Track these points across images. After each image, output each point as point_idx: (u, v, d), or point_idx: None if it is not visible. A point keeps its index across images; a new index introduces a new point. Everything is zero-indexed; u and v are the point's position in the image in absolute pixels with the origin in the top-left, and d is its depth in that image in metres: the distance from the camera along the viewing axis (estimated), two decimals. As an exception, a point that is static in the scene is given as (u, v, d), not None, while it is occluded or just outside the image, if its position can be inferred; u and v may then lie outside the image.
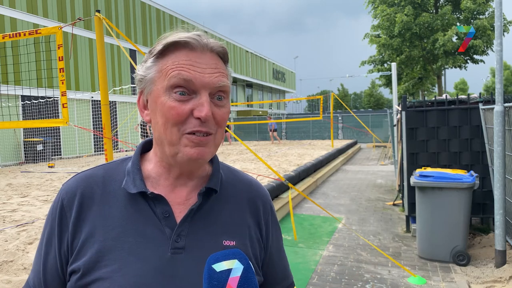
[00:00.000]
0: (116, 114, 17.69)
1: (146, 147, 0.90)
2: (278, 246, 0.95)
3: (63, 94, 3.95)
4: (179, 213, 0.81)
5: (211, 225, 0.82)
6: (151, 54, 0.80)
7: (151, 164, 0.85)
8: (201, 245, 0.79)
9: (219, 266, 0.68)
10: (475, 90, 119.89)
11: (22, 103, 13.78)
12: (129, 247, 0.76)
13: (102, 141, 5.88)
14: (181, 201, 0.83)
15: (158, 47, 0.79)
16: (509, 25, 19.57)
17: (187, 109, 0.75)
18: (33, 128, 13.96)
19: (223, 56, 0.82)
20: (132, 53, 18.58)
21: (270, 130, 21.20)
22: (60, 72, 3.94)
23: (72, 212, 0.80)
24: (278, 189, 6.57)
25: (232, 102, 32.93)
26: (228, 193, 0.88)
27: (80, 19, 3.93)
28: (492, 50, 19.35)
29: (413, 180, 4.19)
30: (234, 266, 0.68)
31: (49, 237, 0.81)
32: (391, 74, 14.05)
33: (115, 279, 0.74)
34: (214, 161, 0.90)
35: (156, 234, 0.78)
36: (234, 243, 0.82)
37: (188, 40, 0.77)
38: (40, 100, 14.18)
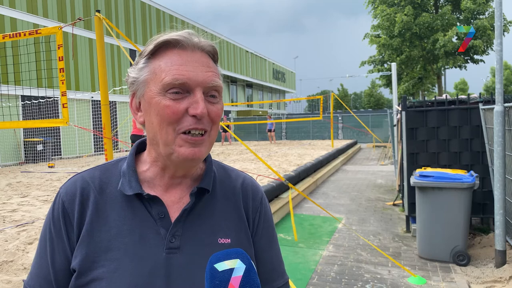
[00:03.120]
0: (116, 114, 17.68)
1: (140, 148, 0.91)
2: (269, 241, 0.93)
3: (63, 94, 3.95)
4: (174, 213, 0.82)
5: (205, 224, 0.83)
6: (142, 56, 0.81)
7: (146, 165, 0.86)
8: (196, 244, 0.80)
9: (221, 266, 0.68)
10: (475, 90, 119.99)
11: (22, 103, 13.77)
12: (126, 248, 0.77)
13: (102, 141, 5.88)
14: (176, 201, 0.84)
15: (149, 47, 0.80)
16: (509, 25, 19.58)
17: (182, 108, 0.76)
18: (33, 128, 13.96)
19: (213, 56, 0.83)
20: (132, 53, 18.57)
21: (269, 130, 21.23)
22: (60, 72, 3.94)
23: (74, 212, 0.81)
24: (278, 189, 6.56)
25: (232, 102, 32.94)
26: (221, 191, 0.89)
27: (80, 19, 3.93)
28: (493, 50, 19.35)
29: (413, 180, 4.19)
30: (236, 266, 0.69)
31: (56, 237, 0.81)
32: (391, 74, 14.06)
33: (112, 279, 0.75)
34: (207, 160, 0.90)
35: (151, 234, 0.79)
36: (230, 240, 0.83)
37: (179, 39, 0.78)
38: (40, 100, 14.18)
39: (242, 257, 0.70)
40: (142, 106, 0.82)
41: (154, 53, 0.79)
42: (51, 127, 14.66)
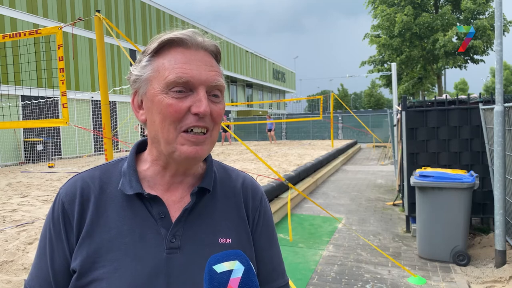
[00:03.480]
0: (116, 114, 17.68)
1: (141, 148, 0.90)
2: (269, 241, 0.92)
3: (63, 94, 3.95)
4: (175, 213, 0.82)
5: (206, 224, 0.83)
6: (146, 54, 0.81)
7: (146, 164, 0.86)
8: (196, 244, 0.80)
9: (220, 267, 0.68)
10: (475, 90, 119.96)
11: (22, 103, 13.77)
12: (126, 248, 0.77)
13: (102, 141, 5.88)
14: (176, 200, 0.84)
15: (153, 45, 0.79)
16: (509, 25, 19.58)
17: (185, 106, 0.76)
18: (33, 128, 13.96)
19: (216, 55, 0.83)
20: (132, 53, 18.56)
21: (269, 130, 21.24)
22: (60, 72, 3.94)
23: (74, 213, 0.80)
24: (278, 189, 6.56)
25: (232, 102, 32.94)
26: (221, 191, 0.89)
27: (80, 19, 3.93)
28: (493, 50, 19.35)
29: (413, 180, 4.19)
30: (235, 267, 0.68)
31: (55, 238, 0.81)
32: (391, 74, 14.06)
33: (112, 280, 0.75)
34: (207, 160, 0.90)
35: (152, 234, 0.79)
36: (230, 240, 0.83)
37: (183, 37, 0.78)
38: (40, 100, 14.18)
39: (241, 259, 0.70)
40: (144, 104, 0.82)
41: (158, 51, 0.79)
42: (51, 127, 14.66)
